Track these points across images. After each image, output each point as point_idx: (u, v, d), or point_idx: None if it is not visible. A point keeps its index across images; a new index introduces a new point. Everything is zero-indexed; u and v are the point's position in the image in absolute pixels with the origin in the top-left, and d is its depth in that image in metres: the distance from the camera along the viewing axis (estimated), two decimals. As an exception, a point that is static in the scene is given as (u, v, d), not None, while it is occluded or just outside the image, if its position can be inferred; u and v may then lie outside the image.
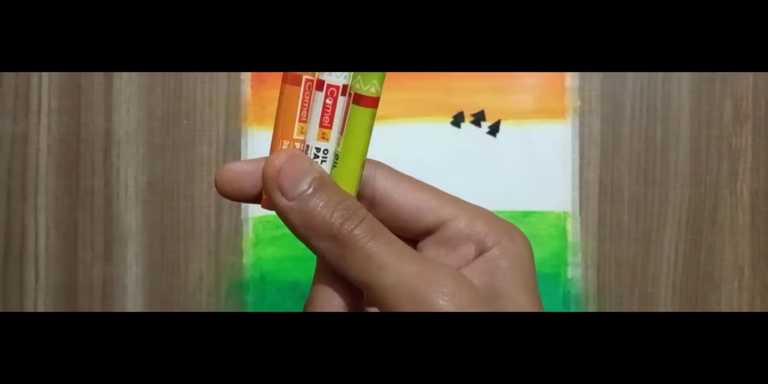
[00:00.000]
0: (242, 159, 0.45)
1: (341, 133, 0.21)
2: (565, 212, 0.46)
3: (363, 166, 0.22)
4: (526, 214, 0.45)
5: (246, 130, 0.46)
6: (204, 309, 0.46)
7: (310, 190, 0.20)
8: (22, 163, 0.46)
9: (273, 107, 0.45)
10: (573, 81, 0.46)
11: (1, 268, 0.46)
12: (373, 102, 0.21)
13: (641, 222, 0.46)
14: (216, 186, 0.22)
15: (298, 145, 0.21)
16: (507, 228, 0.23)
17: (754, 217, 0.46)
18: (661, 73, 0.46)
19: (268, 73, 0.46)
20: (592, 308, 0.46)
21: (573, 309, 0.45)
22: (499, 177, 0.44)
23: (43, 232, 0.46)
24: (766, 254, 0.46)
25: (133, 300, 0.46)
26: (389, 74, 0.45)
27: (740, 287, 0.46)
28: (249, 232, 0.46)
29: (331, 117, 0.21)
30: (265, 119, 0.46)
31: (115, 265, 0.46)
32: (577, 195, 0.46)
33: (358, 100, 0.21)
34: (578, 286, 0.46)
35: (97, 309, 0.46)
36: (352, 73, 0.21)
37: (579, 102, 0.46)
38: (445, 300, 0.20)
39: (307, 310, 0.23)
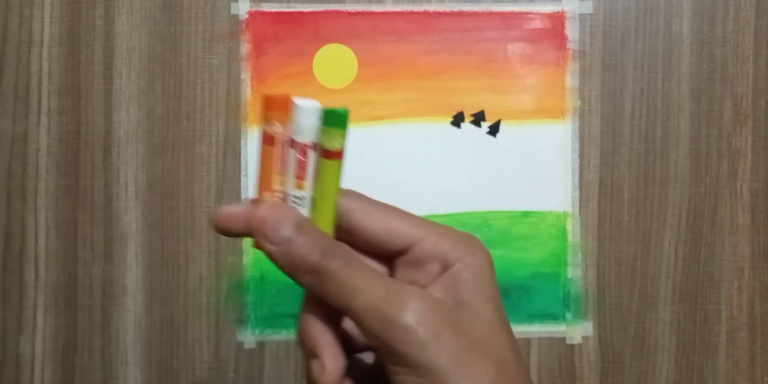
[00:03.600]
0: (242, 159, 0.46)
1: (315, 181, 0.25)
2: (564, 212, 0.46)
3: (336, 205, 0.25)
4: (526, 214, 0.46)
5: (246, 130, 0.46)
6: (204, 308, 0.46)
7: (291, 235, 0.24)
8: (22, 163, 0.46)
9: (273, 107, 0.45)
10: (573, 81, 0.46)
11: (1, 268, 0.46)
12: (337, 155, 0.24)
13: (641, 222, 0.46)
14: (212, 226, 0.26)
15: (279, 194, 0.24)
16: (468, 244, 0.25)
17: (754, 217, 0.46)
18: (660, 73, 0.46)
19: (267, 72, 0.46)
20: (592, 308, 0.46)
21: (573, 308, 0.45)
22: (499, 177, 0.45)
23: (43, 232, 0.46)
24: (766, 254, 0.46)
25: (133, 300, 0.46)
26: (392, 75, 0.46)
27: (740, 287, 0.46)
28: (249, 232, 0.46)
29: (304, 169, 0.24)
30: (265, 119, 0.46)
31: (115, 265, 0.46)
32: (577, 195, 0.46)
33: (325, 154, 0.24)
34: (578, 286, 0.46)
35: (97, 309, 0.46)
36: (319, 131, 0.24)
37: (579, 102, 0.46)
38: (409, 317, 0.23)
39: (297, 335, 0.25)
